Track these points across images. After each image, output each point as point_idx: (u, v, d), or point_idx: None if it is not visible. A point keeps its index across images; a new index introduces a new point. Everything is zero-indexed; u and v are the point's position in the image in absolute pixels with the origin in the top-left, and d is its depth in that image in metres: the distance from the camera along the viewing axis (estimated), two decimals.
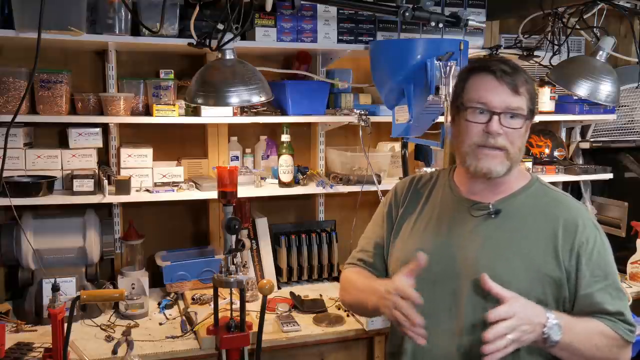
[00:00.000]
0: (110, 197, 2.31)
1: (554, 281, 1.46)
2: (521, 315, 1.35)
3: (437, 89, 2.09)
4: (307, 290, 2.61)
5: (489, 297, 1.45)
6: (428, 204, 1.65)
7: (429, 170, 2.46)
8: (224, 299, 2.22)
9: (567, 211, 1.51)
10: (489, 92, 1.47)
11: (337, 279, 2.73)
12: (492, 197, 1.55)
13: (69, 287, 2.21)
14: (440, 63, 2.09)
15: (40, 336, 2.11)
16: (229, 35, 1.91)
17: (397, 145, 2.78)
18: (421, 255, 1.44)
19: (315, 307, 2.40)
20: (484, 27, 2.69)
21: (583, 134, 3.30)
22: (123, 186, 2.33)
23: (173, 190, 2.44)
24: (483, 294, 1.46)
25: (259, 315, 1.92)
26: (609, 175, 3.05)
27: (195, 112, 2.47)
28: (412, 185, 1.72)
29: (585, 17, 2.56)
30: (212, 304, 2.13)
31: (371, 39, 2.54)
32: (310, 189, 2.62)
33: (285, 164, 2.56)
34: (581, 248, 1.47)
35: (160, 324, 2.26)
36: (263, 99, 1.98)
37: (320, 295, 2.52)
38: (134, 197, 2.37)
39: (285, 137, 2.56)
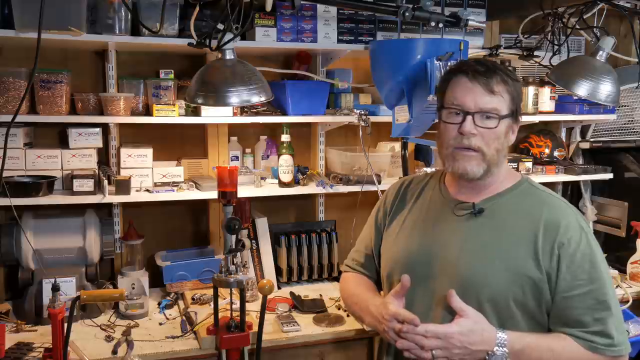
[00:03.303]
0: (110, 197, 2.31)
1: (534, 283, 1.44)
2: (459, 339, 1.39)
3: (437, 88, 2.10)
4: (307, 290, 2.61)
5: (466, 298, 1.46)
6: (417, 204, 1.67)
7: (429, 170, 2.46)
8: (224, 299, 2.22)
9: (551, 211, 1.49)
10: (462, 93, 1.48)
11: (337, 279, 2.74)
12: (479, 197, 1.56)
13: (69, 287, 2.21)
14: (440, 63, 2.09)
15: (40, 336, 2.11)
16: (229, 35, 1.91)
17: (397, 145, 2.78)
18: (405, 278, 1.49)
19: (315, 307, 2.40)
20: (484, 27, 2.69)
21: (583, 134, 3.30)
22: (123, 186, 2.33)
23: (173, 190, 2.44)
24: (462, 295, 1.46)
25: (259, 315, 1.92)
26: (609, 175, 3.05)
27: (195, 112, 2.47)
28: (402, 188, 1.75)
29: (585, 17, 2.56)
30: (212, 304, 2.13)
31: (371, 39, 2.54)
32: (310, 189, 2.62)
33: (285, 164, 2.56)
34: (562, 249, 1.43)
35: (160, 324, 2.26)
36: (263, 99, 1.98)
37: (320, 295, 2.52)
38: (134, 197, 2.37)
39: (285, 137, 2.56)
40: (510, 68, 2.89)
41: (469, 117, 1.46)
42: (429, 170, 2.47)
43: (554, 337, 1.45)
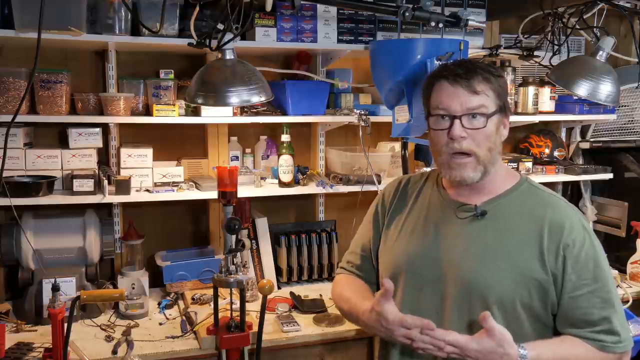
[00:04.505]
0: (110, 197, 2.31)
1: (540, 284, 1.44)
2: (475, 356, 1.37)
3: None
4: (307, 290, 2.61)
5: (473, 301, 1.46)
6: (416, 206, 1.66)
7: (428, 170, 2.46)
8: (224, 299, 2.22)
9: (555, 212, 1.49)
10: (447, 98, 1.47)
11: None
12: (479, 198, 1.55)
13: (69, 287, 2.21)
14: (441, 63, 2.09)
15: (40, 336, 2.11)
16: (229, 35, 1.91)
17: (397, 145, 2.78)
18: (388, 282, 1.45)
19: (315, 307, 2.40)
20: (484, 27, 2.69)
21: (583, 134, 3.30)
22: (123, 186, 2.33)
23: (173, 190, 2.44)
24: (468, 298, 1.46)
25: (259, 315, 1.93)
26: (609, 175, 3.05)
27: (195, 112, 2.47)
28: (400, 187, 1.73)
29: (585, 17, 2.56)
30: (212, 304, 2.13)
31: (371, 39, 2.54)
32: (310, 189, 2.62)
33: (285, 164, 2.56)
34: (567, 250, 1.44)
35: (160, 324, 2.26)
36: (263, 99, 1.98)
37: (320, 295, 2.52)
38: (134, 197, 2.37)
39: (285, 137, 2.56)
40: (510, 67, 2.92)
41: (457, 121, 1.45)
42: (428, 170, 2.47)
43: (567, 345, 1.45)
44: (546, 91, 2.96)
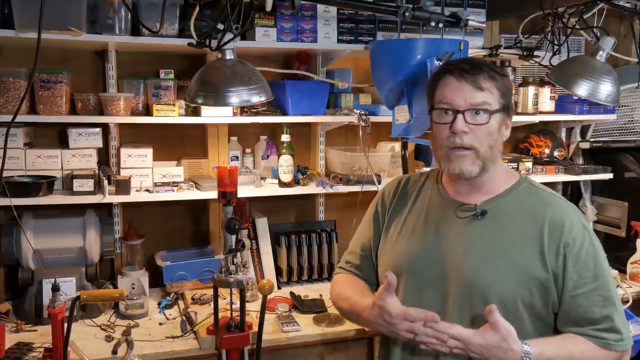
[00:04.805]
0: (110, 197, 2.31)
1: (541, 283, 1.44)
2: (479, 350, 1.37)
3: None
4: (307, 290, 2.61)
5: (475, 301, 1.46)
6: (416, 205, 1.65)
7: (428, 170, 2.46)
8: (224, 299, 2.22)
9: (554, 211, 1.49)
10: (451, 93, 1.48)
11: None
12: (478, 198, 1.55)
13: (69, 287, 2.21)
14: (440, 63, 2.09)
15: (40, 336, 2.11)
16: (229, 35, 1.91)
17: (397, 145, 2.78)
18: (390, 276, 1.44)
19: (315, 307, 2.40)
20: (484, 27, 2.69)
21: (583, 134, 3.30)
22: (123, 186, 2.33)
23: (173, 190, 2.44)
24: (470, 297, 1.46)
25: (259, 315, 1.93)
26: (609, 175, 3.05)
27: (195, 112, 2.47)
28: (399, 187, 1.73)
29: (585, 17, 2.56)
30: (212, 304, 2.13)
31: (371, 39, 2.54)
32: (310, 189, 2.62)
33: (285, 164, 2.56)
34: (567, 248, 1.44)
35: (160, 324, 2.26)
36: (263, 99, 1.98)
37: (320, 295, 2.52)
38: (134, 197, 2.37)
39: (285, 137, 2.56)
40: (510, 67, 2.92)
41: (460, 116, 1.46)
42: (428, 170, 2.47)
43: (570, 343, 1.45)
44: (546, 91, 2.96)
